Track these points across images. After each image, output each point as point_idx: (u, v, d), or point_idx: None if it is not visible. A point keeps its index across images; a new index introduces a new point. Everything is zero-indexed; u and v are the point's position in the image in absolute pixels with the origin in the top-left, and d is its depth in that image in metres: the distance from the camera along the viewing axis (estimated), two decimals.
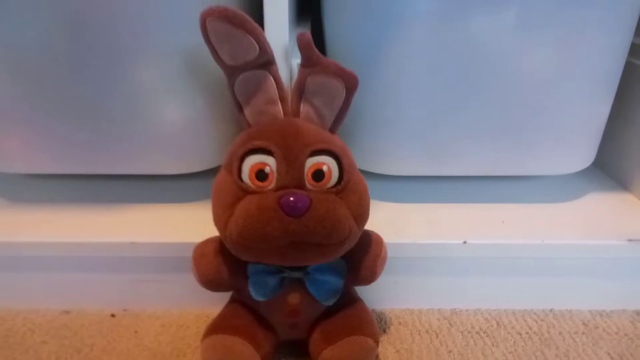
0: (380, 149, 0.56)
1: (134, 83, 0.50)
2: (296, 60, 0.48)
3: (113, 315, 0.55)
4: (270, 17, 0.46)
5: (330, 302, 0.46)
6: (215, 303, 0.53)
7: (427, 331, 0.53)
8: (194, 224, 0.54)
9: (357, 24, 0.52)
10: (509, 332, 0.53)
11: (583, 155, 0.59)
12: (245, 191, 0.40)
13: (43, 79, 0.50)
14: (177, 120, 0.53)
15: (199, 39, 0.41)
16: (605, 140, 0.61)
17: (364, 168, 0.57)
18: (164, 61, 0.50)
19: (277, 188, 0.40)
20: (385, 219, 0.55)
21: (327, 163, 0.41)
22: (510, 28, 0.50)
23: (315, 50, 0.41)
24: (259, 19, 0.47)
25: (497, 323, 0.54)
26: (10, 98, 0.51)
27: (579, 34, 0.50)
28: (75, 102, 0.51)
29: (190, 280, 0.49)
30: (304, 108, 0.43)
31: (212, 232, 0.45)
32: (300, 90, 0.42)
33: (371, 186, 0.45)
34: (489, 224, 0.56)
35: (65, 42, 0.48)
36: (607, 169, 0.68)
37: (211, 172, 0.57)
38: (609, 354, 0.51)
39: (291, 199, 0.39)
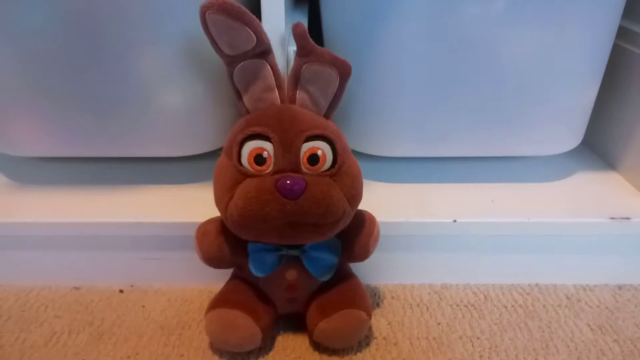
0: (374, 131, 0.59)
1: (136, 69, 0.52)
2: (292, 47, 0.50)
3: (121, 291, 0.58)
4: (268, 6, 0.47)
5: (325, 278, 0.49)
6: (217, 279, 0.56)
7: (418, 305, 0.56)
8: (196, 204, 0.57)
9: (353, 11, 0.53)
10: (495, 305, 0.56)
11: (571, 136, 0.61)
12: (245, 175, 0.43)
13: (49, 65, 0.52)
14: (179, 105, 0.55)
15: (199, 26, 0.43)
16: (594, 119, 0.63)
17: (358, 149, 0.59)
18: (165, 48, 0.51)
19: (275, 172, 0.43)
20: (379, 199, 0.58)
21: (322, 148, 0.43)
22: (500, 14, 0.51)
23: (310, 40, 0.43)
24: (257, 8, 0.48)
25: (485, 297, 0.57)
26: (18, 84, 0.53)
27: (567, 18, 0.52)
28: (80, 87, 0.53)
29: (193, 258, 0.51)
30: (299, 95, 0.45)
31: (214, 211, 0.48)
32: (296, 78, 0.44)
33: (365, 167, 0.47)
34: (479, 203, 0.58)
35: (70, 30, 0.50)
36: (595, 148, 0.70)
37: (212, 154, 0.59)
38: (588, 325, 0.54)
39: (288, 182, 0.41)
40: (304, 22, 0.58)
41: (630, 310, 0.56)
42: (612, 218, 0.55)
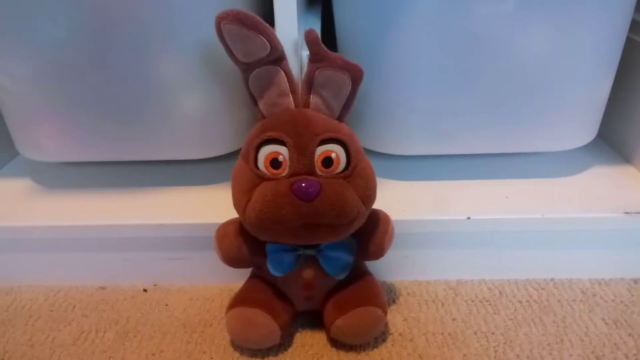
0: (388, 131, 0.59)
1: (155, 76, 0.54)
2: (305, 52, 0.51)
3: (145, 290, 0.60)
4: (281, 13, 0.48)
5: (341, 277, 0.50)
6: (237, 278, 0.58)
7: (433, 301, 0.57)
8: (216, 205, 0.58)
9: (365, 13, 0.54)
10: (510, 301, 0.57)
11: (585, 131, 0.61)
12: (261, 178, 0.44)
13: (73, 74, 0.54)
14: (197, 109, 0.57)
15: (215, 34, 0.44)
16: (609, 113, 0.63)
17: (372, 148, 0.60)
18: (184, 55, 0.53)
19: (290, 175, 0.44)
20: (393, 197, 0.59)
21: (336, 150, 0.45)
22: (512, 11, 0.51)
23: (322, 46, 0.44)
24: (269, 14, 0.50)
25: (500, 292, 0.58)
26: (44, 92, 0.55)
27: (580, 13, 0.52)
28: (103, 94, 0.55)
29: (214, 257, 0.53)
30: (313, 99, 0.46)
31: (233, 212, 0.49)
32: (310, 83, 0.46)
33: (380, 165, 0.49)
34: (493, 199, 0.59)
35: (93, 39, 0.52)
36: (610, 142, 0.70)
37: (230, 156, 0.61)
38: (603, 319, 0.54)
39: (303, 184, 0.42)
40: (317, 24, 0.59)
41: None
42: (626, 212, 0.56)
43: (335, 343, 0.52)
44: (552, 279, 0.60)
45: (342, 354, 0.51)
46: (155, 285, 0.61)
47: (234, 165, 0.48)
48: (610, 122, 0.68)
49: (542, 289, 0.58)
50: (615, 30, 0.55)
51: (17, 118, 0.58)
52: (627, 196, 0.59)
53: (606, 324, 0.54)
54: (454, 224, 0.56)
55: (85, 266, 0.61)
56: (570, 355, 0.50)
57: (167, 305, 0.58)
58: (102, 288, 0.61)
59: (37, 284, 0.62)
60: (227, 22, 0.42)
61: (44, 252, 0.60)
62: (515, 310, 0.56)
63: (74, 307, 0.58)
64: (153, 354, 0.52)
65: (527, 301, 0.57)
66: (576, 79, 0.56)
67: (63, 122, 0.57)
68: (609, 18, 0.54)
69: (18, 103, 0.57)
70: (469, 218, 0.56)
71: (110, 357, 0.51)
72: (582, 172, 0.64)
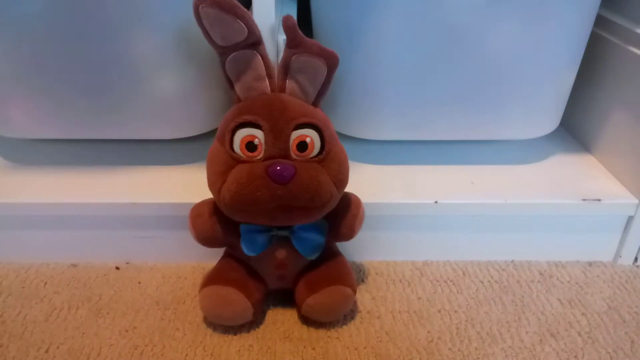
0: (360, 116, 0.61)
1: (131, 54, 0.54)
2: (282, 37, 0.51)
3: (117, 268, 0.61)
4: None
5: (313, 257, 0.52)
6: (209, 257, 0.59)
7: (400, 280, 0.59)
8: (189, 185, 0.59)
9: (341, 1, 0.55)
10: (472, 281, 0.60)
11: (548, 121, 0.64)
12: (237, 160, 0.45)
13: (46, 51, 0.53)
14: (172, 88, 0.57)
15: (190, 14, 0.44)
16: (571, 103, 0.65)
17: (346, 133, 0.62)
18: (159, 33, 0.53)
19: (265, 158, 0.45)
20: (365, 181, 0.60)
21: (310, 135, 0.46)
22: (483, 3, 0.53)
23: (299, 32, 0.45)
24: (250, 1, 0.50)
25: (463, 273, 0.61)
26: (15, 69, 0.54)
27: (547, 6, 0.54)
28: (76, 72, 0.54)
29: (186, 236, 0.54)
30: (289, 84, 0.47)
31: (206, 192, 0.50)
32: (286, 68, 0.46)
33: (353, 149, 0.50)
34: (460, 185, 0.61)
35: (66, 15, 0.51)
36: (572, 132, 0.73)
37: (204, 137, 0.61)
38: (559, 299, 0.57)
39: (278, 168, 0.44)
40: (294, 11, 0.60)
41: (598, 285, 0.60)
42: (584, 199, 0.59)
43: (306, 320, 0.53)
44: (512, 261, 0.63)
45: (313, 330, 0.53)
46: (127, 263, 0.62)
47: (208, 146, 0.49)
48: (573, 112, 0.71)
49: (503, 270, 0.61)
50: (581, 24, 0.58)
51: None
52: (585, 184, 0.62)
53: (561, 303, 0.57)
54: (422, 207, 0.58)
55: (57, 243, 0.61)
56: (527, 332, 0.53)
57: (139, 283, 0.59)
58: (74, 265, 0.61)
59: (8, 260, 0.61)
60: (205, 5, 0.42)
61: (15, 229, 0.60)
62: (477, 290, 0.58)
63: (45, 284, 0.58)
64: (126, 330, 0.52)
65: (489, 281, 0.60)
66: (542, 70, 0.59)
67: (33, 99, 0.57)
68: (575, 12, 0.56)
69: None
70: (436, 202, 0.58)
71: (83, 334, 0.52)
72: (544, 159, 0.67)
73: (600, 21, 0.64)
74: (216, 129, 0.49)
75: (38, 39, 0.52)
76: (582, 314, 0.56)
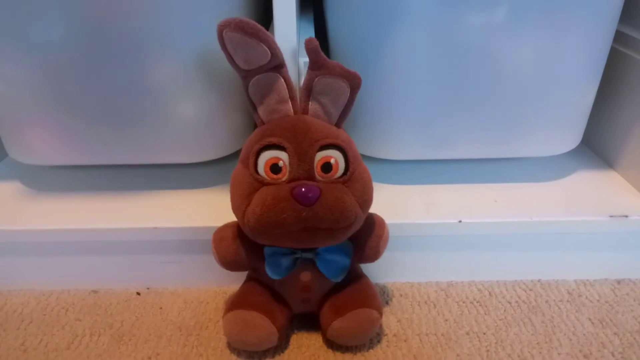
0: (381, 136, 0.61)
1: (152, 79, 0.54)
2: (303, 59, 0.52)
3: (138, 294, 0.60)
4: (280, 21, 0.49)
5: (338, 279, 0.51)
6: (231, 281, 0.58)
7: (425, 302, 0.58)
8: (211, 208, 0.59)
9: (359, 19, 0.55)
10: (499, 301, 0.58)
11: (570, 138, 0.63)
12: (261, 183, 0.45)
13: (67, 76, 0.53)
14: (193, 113, 0.57)
15: (213, 38, 0.45)
16: (593, 120, 0.65)
17: (366, 153, 0.61)
18: (181, 59, 0.53)
19: (290, 180, 0.45)
20: (387, 201, 0.60)
21: (335, 156, 0.45)
22: (501, 21, 0.53)
23: (322, 54, 0.45)
24: (263, 19, 0.50)
25: (490, 293, 0.60)
26: (37, 94, 0.55)
27: (566, 25, 0.54)
28: (97, 98, 0.55)
29: (208, 260, 0.53)
30: (312, 106, 0.47)
31: (228, 216, 0.50)
32: (309, 90, 0.46)
33: (374, 170, 0.50)
34: (483, 203, 0.60)
35: (88, 41, 0.51)
36: (594, 148, 0.72)
37: (226, 160, 0.61)
38: (590, 319, 0.56)
39: (303, 189, 0.43)
40: (311, 30, 0.60)
41: (629, 303, 0.58)
42: (611, 216, 0.58)
43: (332, 344, 0.52)
44: (539, 280, 0.62)
45: (339, 355, 0.52)
46: (148, 288, 0.61)
47: (230, 169, 0.49)
48: (594, 128, 0.70)
49: (530, 289, 0.60)
50: (601, 40, 0.57)
51: (8, 120, 0.58)
52: (611, 200, 0.61)
53: (592, 323, 0.56)
54: (446, 227, 0.57)
55: (78, 270, 0.60)
56: (559, 354, 0.52)
57: (161, 308, 0.58)
58: (95, 292, 0.61)
59: (29, 287, 0.61)
60: (229, 30, 0.43)
61: (35, 255, 0.60)
62: (505, 310, 0.57)
63: (66, 310, 0.58)
64: (149, 357, 0.52)
65: (516, 302, 0.58)
66: (563, 86, 0.58)
67: (55, 125, 0.57)
68: (595, 28, 0.56)
69: (10, 105, 0.56)
70: (460, 221, 0.57)
71: None
72: (567, 176, 0.66)
73: (619, 37, 0.63)
74: (238, 152, 0.49)
75: (59, 66, 0.53)
76: (614, 333, 0.54)
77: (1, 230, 0.57)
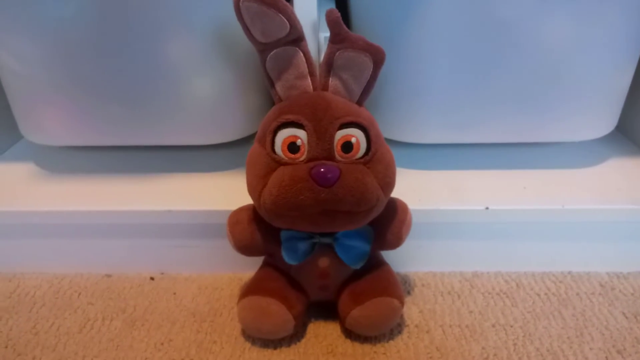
0: (405, 118, 0.58)
1: (166, 58, 0.52)
2: (323, 34, 0.49)
3: (152, 279, 0.59)
4: None
5: (358, 266, 0.49)
6: (247, 267, 0.57)
7: (449, 292, 0.56)
8: (227, 192, 0.57)
9: None
10: (527, 293, 0.56)
11: (604, 122, 0.60)
12: (278, 163, 0.43)
13: (80, 55, 0.52)
14: (208, 93, 0.55)
15: (229, 15, 0.43)
16: (628, 105, 0.61)
17: (389, 137, 0.59)
18: (197, 36, 0.52)
19: (308, 159, 0.42)
20: (410, 186, 0.57)
21: (356, 135, 0.43)
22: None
23: (344, 26, 0.42)
24: None
25: (517, 284, 0.57)
26: (50, 74, 0.53)
27: (600, 4, 0.51)
28: (111, 77, 0.53)
29: (223, 245, 0.52)
30: (332, 82, 0.44)
31: (244, 199, 0.48)
32: (329, 65, 0.44)
33: (396, 154, 0.47)
34: (511, 190, 0.57)
35: (102, 19, 0.50)
36: (629, 134, 0.69)
37: (242, 142, 0.59)
38: (623, 313, 0.53)
39: (322, 169, 0.41)
40: (331, 3, 0.58)
41: None
42: None
43: (350, 334, 0.50)
44: (569, 272, 0.59)
45: (357, 345, 0.49)
46: (162, 273, 0.60)
47: (246, 152, 0.46)
48: (629, 114, 0.66)
49: (560, 282, 0.57)
50: (637, 19, 0.54)
51: (22, 100, 0.57)
52: None
53: (626, 317, 0.52)
54: (472, 214, 0.55)
55: (91, 253, 0.59)
56: (591, 349, 0.49)
57: (175, 293, 0.57)
58: (108, 276, 0.60)
59: (41, 270, 0.60)
60: (246, 0, 0.40)
61: (48, 238, 0.58)
62: (533, 303, 0.54)
63: (79, 294, 0.57)
64: (162, 343, 0.50)
65: (546, 294, 0.55)
66: (598, 69, 0.55)
67: (69, 105, 0.56)
68: (631, 7, 0.52)
69: (23, 85, 0.55)
70: (487, 208, 0.54)
71: (117, 346, 0.50)
72: (600, 163, 0.63)
73: None
74: (254, 135, 0.47)
75: (72, 44, 0.51)
76: None
77: (15, 211, 0.56)
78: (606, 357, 0.48)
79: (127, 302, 0.55)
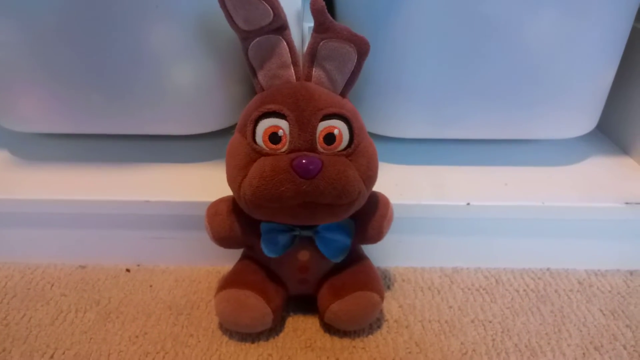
0: (388, 112, 0.57)
1: (148, 45, 0.51)
2: (308, 24, 0.49)
3: (128, 270, 0.58)
4: None
5: (338, 260, 0.48)
6: (225, 259, 0.56)
7: (429, 288, 0.56)
8: (205, 183, 0.56)
9: None
10: (507, 289, 0.56)
11: (586, 120, 0.60)
12: (259, 153, 0.42)
13: (58, 40, 0.50)
14: (189, 82, 0.54)
15: (211, 2, 0.42)
16: (608, 104, 0.62)
17: (372, 131, 0.58)
18: (178, 23, 0.50)
19: (290, 150, 0.42)
20: (392, 181, 0.57)
21: (338, 127, 0.42)
22: None
23: (328, 16, 0.42)
24: None
25: (496, 281, 0.57)
26: (28, 61, 0.52)
27: (585, 3, 0.51)
28: (89, 63, 0.52)
29: (201, 237, 0.51)
30: (316, 72, 0.44)
31: (223, 191, 0.47)
32: (313, 55, 0.43)
33: (379, 148, 0.47)
34: (492, 186, 0.57)
35: (82, 6, 0.48)
36: (609, 133, 0.69)
37: (222, 133, 0.58)
38: (601, 310, 0.53)
39: (303, 161, 0.40)
40: None
41: None
42: (627, 203, 0.55)
43: (329, 329, 0.50)
44: (548, 269, 0.59)
45: (336, 339, 0.49)
46: (138, 265, 0.59)
47: (225, 143, 0.45)
48: (609, 113, 0.67)
49: (539, 278, 0.57)
50: (621, 20, 0.54)
51: None
52: (627, 187, 0.58)
53: (604, 314, 0.53)
54: (453, 209, 0.55)
55: (65, 243, 0.58)
56: (569, 345, 0.49)
57: (151, 286, 0.56)
58: (82, 267, 0.58)
59: (13, 260, 0.59)
60: None
61: (21, 227, 0.57)
62: (512, 299, 0.54)
63: (52, 285, 0.55)
64: (137, 336, 0.49)
65: (524, 290, 0.56)
66: (580, 67, 0.55)
67: (46, 92, 0.54)
68: (615, 7, 0.52)
69: None
70: (468, 204, 0.54)
71: (90, 339, 0.49)
72: (581, 161, 0.63)
73: None
74: (235, 125, 0.46)
75: (50, 30, 0.50)
76: (627, 325, 0.52)
77: None
78: (583, 354, 0.48)
79: (102, 294, 0.54)
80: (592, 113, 0.60)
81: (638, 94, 0.63)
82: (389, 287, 0.56)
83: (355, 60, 0.43)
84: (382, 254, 0.57)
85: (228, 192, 0.46)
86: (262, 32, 0.42)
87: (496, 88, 0.55)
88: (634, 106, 0.64)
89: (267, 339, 0.49)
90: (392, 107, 0.57)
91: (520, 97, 0.56)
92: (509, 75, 0.54)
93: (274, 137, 0.42)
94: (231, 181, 0.44)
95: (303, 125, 0.41)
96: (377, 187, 0.48)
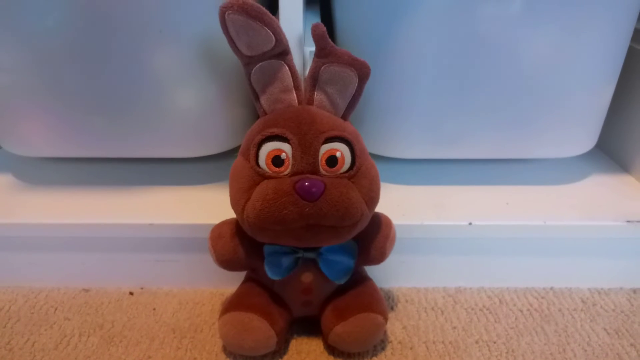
0: (389, 133, 0.58)
1: (151, 69, 0.51)
2: (309, 48, 0.49)
3: (131, 293, 0.58)
4: (286, 7, 0.47)
5: (342, 281, 0.48)
6: (228, 282, 0.56)
7: (432, 308, 0.56)
8: (208, 205, 0.56)
9: (368, 11, 0.53)
10: (510, 309, 0.55)
11: (585, 139, 0.60)
12: (262, 176, 0.42)
13: (61, 65, 0.51)
14: (192, 105, 0.54)
15: (214, 27, 0.42)
16: (607, 123, 0.62)
17: (373, 151, 0.59)
18: (181, 48, 0.51)
19: (293, 173, 0.42)
20: (394, 201, 0.57)
21: (340, 149, 0.43)
22: (515, 16, 0.51)
23: (329, 41, 0.42)
24: (273, 8, 0.48)
25: (500, 300, 0.57)
26: (29, 83, 0.52)
27: (583, 21, 0.52)
28: (94, 88, 0.52)
29: (204, 260, 0.51)
30: (317, 96, 0.44)
31: (226, 213, 0.47)
32: (314, 79, 0.44)
33: (381, 169, 0.47)
34: (494, 205, 0.58)
35: (86, 29, 0.49)
36: (609, 152, 0.70)
37: (225, 155, 0.59)
38: (605, 329, 0.53)
39: (306, 183, 0.40)
40: (317, 19, 0.58)
41: None
42: (628, 221, 0.55)
43: (333, 351, 0.50)
44: (551, 288, 0.59)
45: None
46: (142, 288, 0.59)
47: (228, 166, 0.46)
48: (608, 131, 0.67)
49: (542, 297, 0.57)
50: (619, 38, 0.55)
51: (1, 111, 0.55)
52: (628, 205, 0.58)
53: (608, 334, 0.53)
54: (455, 229, 0.55)
55: (69, 267, 0.58)
56: None
57: (154, 309, 0.55)
58: (86, 290, 0.58)
59: (17, 284, 0.58)
60: (231, 12, 0.40)
61: (25, 251, 0.57)
62: (516, 319, 0.54)
63: (55, 309, 0.55)
64: None
65: (528, 310, 0.55)
66: (579, 86, 0.56)
67: (50, 116, 0.55)
68: (612, 25, 0.53)
69: (2, 95, 0.54)
70: (470, 224, 0.54)
71: None
72: (582, 180, 0.64)
73: (638, 36, 0.61)
74: (237, 148, 0.46)
75: (52, 55, 0.51)
76: (631, 344, 0.51)
77: None
78: None
79: (105, 318, 0.54)
80: (592, 131, 0.60)
81: (636, 112, 0.64)
82: (392, 308, 0.55)
83: (357, 84, 0.44)
84: (385, 275, 0.58)
85: (231, 214, 0.46)
86: (264, 57, 0.43)
87: (495, 108, 0.56)
88: (633, 124, 0.65)
89: None
90: (393, 128, 0.57)
91: (519, 117, 0.56)
92: (508, 96, 0.55)
93: (277, 160, 0.42)
94: (234, 204, 0.44)
95: (305, 148, 0.42)
96: (379, 208, 0.48)
